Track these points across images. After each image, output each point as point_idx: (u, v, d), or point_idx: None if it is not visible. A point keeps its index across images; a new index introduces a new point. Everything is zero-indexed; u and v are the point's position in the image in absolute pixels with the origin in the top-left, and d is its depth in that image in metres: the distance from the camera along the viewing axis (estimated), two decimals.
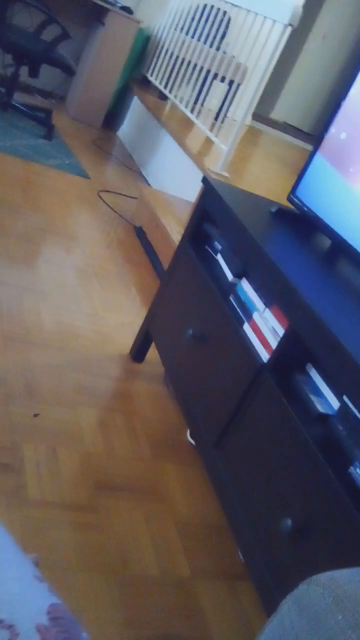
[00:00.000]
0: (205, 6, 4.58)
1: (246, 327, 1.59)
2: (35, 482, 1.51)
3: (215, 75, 4.41)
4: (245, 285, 1.68)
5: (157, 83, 4.74)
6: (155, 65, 4.91)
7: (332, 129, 1.77)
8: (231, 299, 1.70)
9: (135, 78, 5.15)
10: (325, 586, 0.58)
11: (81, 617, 1.26)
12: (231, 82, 4.38)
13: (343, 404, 1.32)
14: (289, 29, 3.09)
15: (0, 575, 0.54)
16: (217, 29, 4.40)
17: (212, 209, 1.84)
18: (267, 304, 1.56)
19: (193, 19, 4.58)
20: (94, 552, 1.41)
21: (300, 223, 1.91)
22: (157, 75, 4.82)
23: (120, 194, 3.80)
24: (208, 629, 1.36)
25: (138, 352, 2.18)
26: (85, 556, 1.39)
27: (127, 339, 2.30)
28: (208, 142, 4.14)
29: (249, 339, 1.56)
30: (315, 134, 7.08)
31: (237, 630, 1.39)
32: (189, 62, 4.50)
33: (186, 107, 4.26)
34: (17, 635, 0.50)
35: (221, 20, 4.42)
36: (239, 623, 1.41)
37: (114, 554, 1.43)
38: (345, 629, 0.54)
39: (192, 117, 4.02)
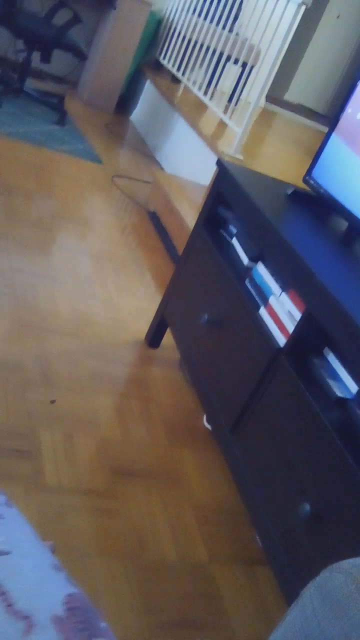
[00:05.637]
0: None
1: (262, 312, 1.57)
2: (52, 469, 1.51)
3: (228, 57, 4.36)
4: (261, 269, 1.66)
5: (169, 66, 4.69)
6: (167, 48, 4.86)
7: (348, 109, 1.73)
8: (247, 283, 1.68)
9: (148, 62, 5.10)
10: (348, 573, 0.57)
11: (99, 603, 1.26)
12: (244, 64, 4.33)
13: None
14: (303, 8, 3.04)
15: (19, 566, 0.54)
16: (230, 10, 4.35)
17: (226, 192, 1.82)
18: (284, 288, 1.54)
19: (205, 0, 4.52)
20: (112, 538, 1.41)
21: (317, 205, 1.88)
22: (169, 59, 4.77)
23: (134, 179, 3.78)
24: (226, 614, 1.36)
25: (153, 338, 2.17)
26: (102, 542, 1.39)
27: (142, 325, 2.29)
28: (222, 125, 4.10)
29: (265, 323, 1.54)
30: (329, 116, 7.00)
31: (255, 615, 1.39)
32: (202, 45, 4.45)
33: (199, 90, 4.22)
34: (33, 626, 0.50)
35: (234, 1, 4.36)
36: (257, 608, 1.41)
37: (132, 539, 1.43)
38: None
39: (206, 100, 3.98)
